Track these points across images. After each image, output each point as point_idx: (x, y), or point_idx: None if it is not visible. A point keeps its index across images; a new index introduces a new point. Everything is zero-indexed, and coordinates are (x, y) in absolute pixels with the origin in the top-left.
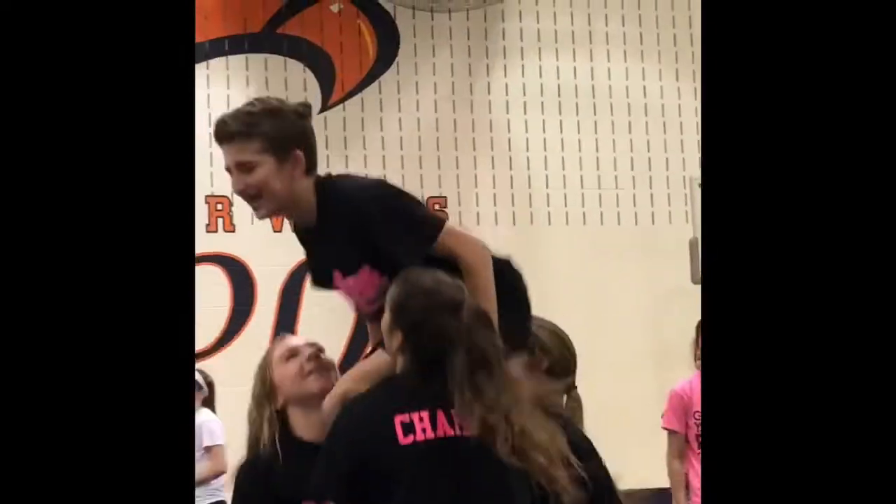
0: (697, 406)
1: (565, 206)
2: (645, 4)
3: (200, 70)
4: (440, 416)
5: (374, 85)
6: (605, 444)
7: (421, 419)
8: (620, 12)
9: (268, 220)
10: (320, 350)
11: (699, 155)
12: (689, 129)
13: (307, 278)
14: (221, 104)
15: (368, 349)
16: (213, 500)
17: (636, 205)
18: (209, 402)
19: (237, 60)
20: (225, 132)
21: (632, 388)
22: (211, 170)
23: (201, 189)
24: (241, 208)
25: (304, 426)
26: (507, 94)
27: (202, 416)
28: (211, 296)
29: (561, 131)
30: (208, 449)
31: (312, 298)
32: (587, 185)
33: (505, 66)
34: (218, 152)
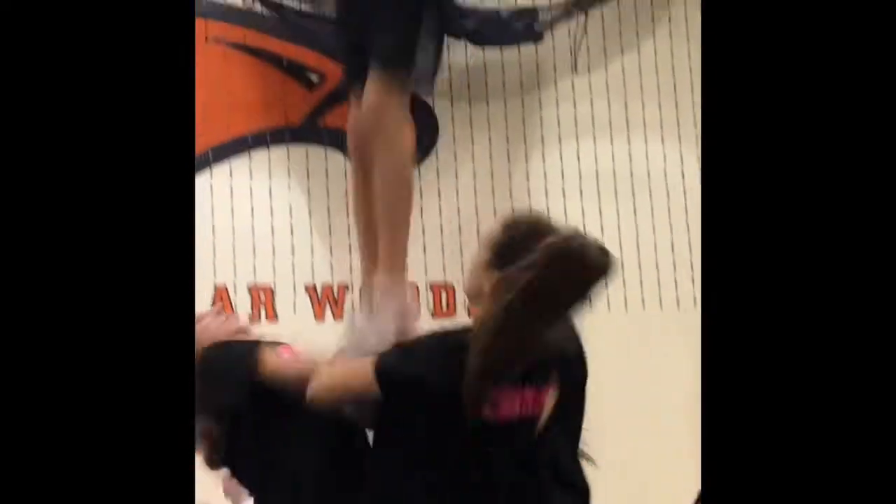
0: None
1: (606, 290)
2: (681, 89)
3: (243, 161)
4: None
5: (414, 173)
6: None
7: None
8: (657, 97)
9: (310, 308)
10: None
11: None
12: None
13: None
14: (264, 195)
15: None
16: None
17: (678, 288)
18: None
19: (279, 152)
20: None
21: (670, 464)
22: (254, 260)
23: (244, 278)
24: (284, 297)
25: None
26: (545, 179)
27: None
28: None
29: (600, 215)
30: None
31: None
32: (628, 269)
33: (543, 152)
34: (262, 244)
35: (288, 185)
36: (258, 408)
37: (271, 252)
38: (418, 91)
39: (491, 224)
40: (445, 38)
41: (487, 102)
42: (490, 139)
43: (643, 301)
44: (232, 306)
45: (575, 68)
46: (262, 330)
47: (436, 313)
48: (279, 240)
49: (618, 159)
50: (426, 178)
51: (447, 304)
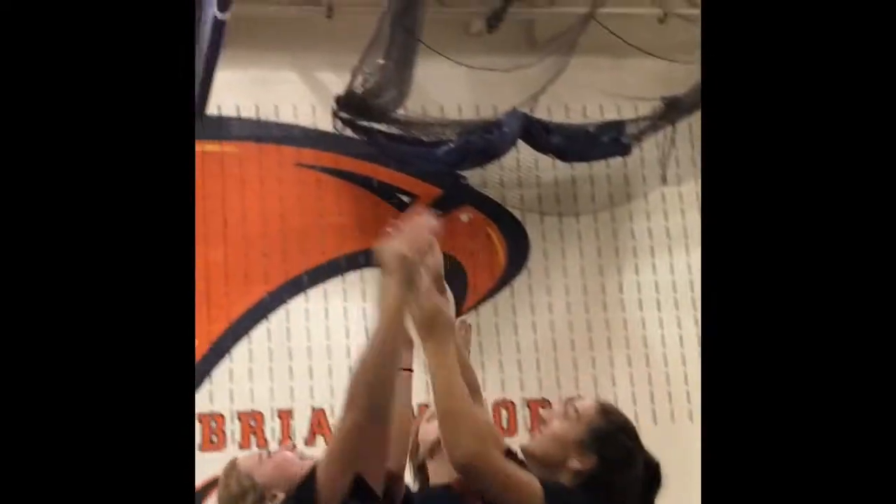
0: None
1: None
2: None
3: (337, 283)
4: None
5: (507, 290)
6: None
7: None
8: None
9: None
10: None
11: None
12: None
13: None
14: (359, 316)
15: None
16: None
17: None
18: None
19: (372, 273)
20: None
21: None
22: None
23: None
24: None
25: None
26: (639, 291)
27: None
28: None
29: (696, 325)
30: None
31: None
32: None
33: (636, 264)
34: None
35: None
36: None
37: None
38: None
39: (585, 343)
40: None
41: (577, 216)
42: (581, 252)
43: None
44: (331, 431)
45: (664, 179)
46: None
47: (533, 428)
48: None
49: None
50: (519, 294)
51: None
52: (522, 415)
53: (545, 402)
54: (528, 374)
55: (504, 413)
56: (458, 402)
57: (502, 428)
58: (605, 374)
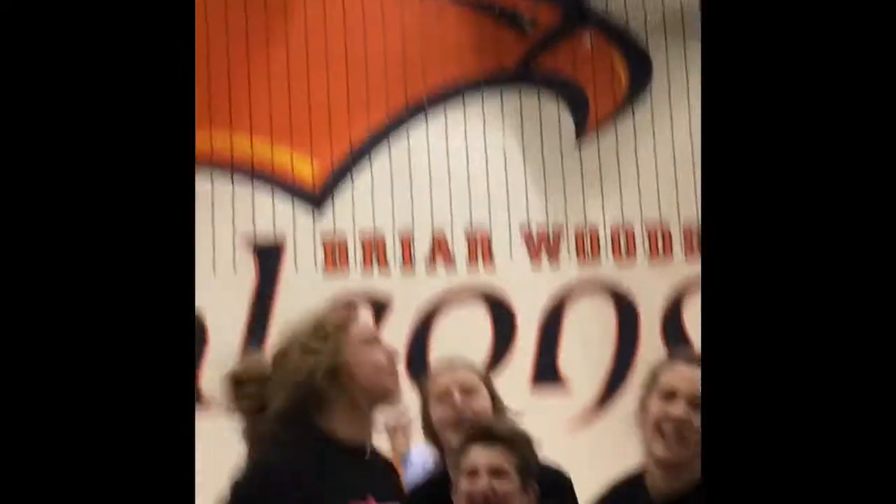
0: None
1: None
2: None
3: (457, 108)
4: None
5: (628, 115)
6: None
7: None
8: None
9: (526, 253)
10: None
11: None
12: None
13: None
14: (479, 140)
15: None
16: None
17: None
18: None
19: (493, 97)
20: None
21: None
22: (470, 205)
23: (461, 224)
24: (500, 242)
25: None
26: None
27: None
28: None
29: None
30: None
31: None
32: None
33: None
34: (477, 189)
35: (502, 130)
36: None
37: (486, 197)
38: None
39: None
40: None
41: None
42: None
43: None
44: (450, 255)
45: None
46: (481, 279)
47: (652, 255)
48: (494, 184)
49: None
50: (640, 119)
51: (663, 247)
52: (642, 239)
53: (664, 228)
54: (647, 200)
55: (622, 238)
56: None
57: (619, 254)
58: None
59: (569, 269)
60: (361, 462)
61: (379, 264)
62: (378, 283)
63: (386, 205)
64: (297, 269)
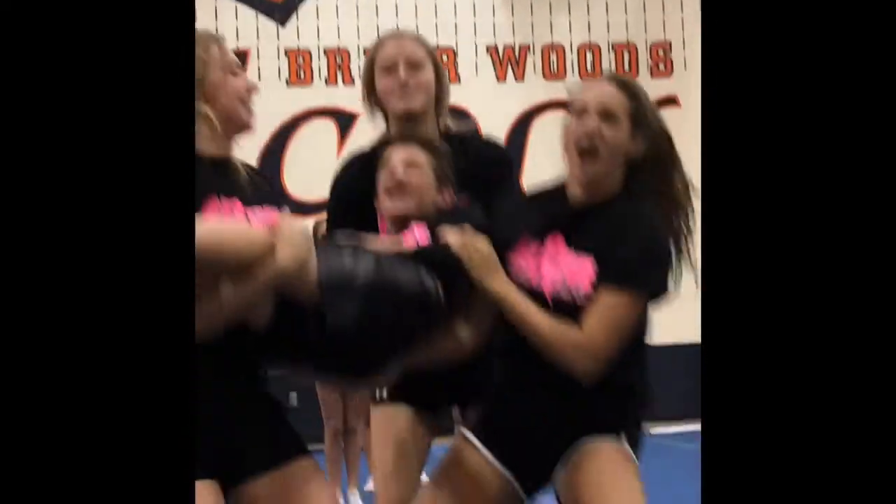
0: None
1: None
2: None
3: None
4: None
5: None
6: None
7: None
8: None
9: (492, 69)
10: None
11: None
12: None
13: None
14: None
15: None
16: None
17: None
18: None
19: None
20: None
21: None
22: (436, 22)
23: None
24: (466, 59)
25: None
26: None
27: None
28: None
29: None
30: None
31: None
32: None
33: None
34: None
35: None
36: None
37: (453, 13)
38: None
39: None
40: None
41: None
42: None
43: None
44: None
45: None
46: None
47: (618, 71)
48: (461, 3)
49: None
50: None
51: (629, 66)
52: (608, 58)
53: (631, 46)
54: (614, 18)
55: (589, 56)
56: (543, 331)
57: (588, 72)
58: (694, 18)
59: (535, 86)
60: (228, 171)
61: (343, 79)
62: (343, 95)
63: (351, 23)
64: (260, 78)
